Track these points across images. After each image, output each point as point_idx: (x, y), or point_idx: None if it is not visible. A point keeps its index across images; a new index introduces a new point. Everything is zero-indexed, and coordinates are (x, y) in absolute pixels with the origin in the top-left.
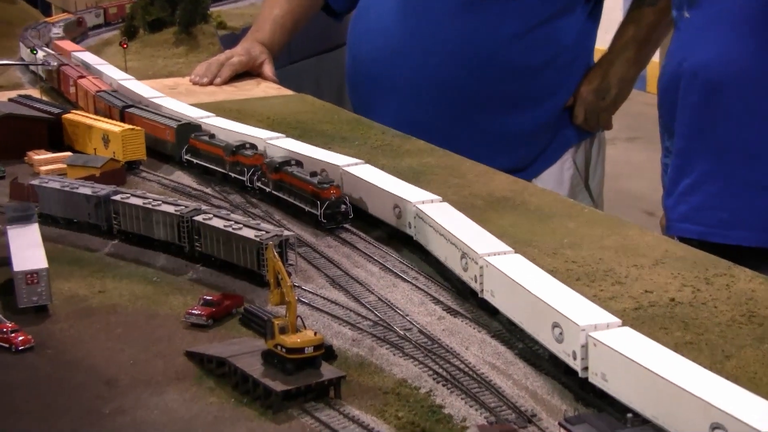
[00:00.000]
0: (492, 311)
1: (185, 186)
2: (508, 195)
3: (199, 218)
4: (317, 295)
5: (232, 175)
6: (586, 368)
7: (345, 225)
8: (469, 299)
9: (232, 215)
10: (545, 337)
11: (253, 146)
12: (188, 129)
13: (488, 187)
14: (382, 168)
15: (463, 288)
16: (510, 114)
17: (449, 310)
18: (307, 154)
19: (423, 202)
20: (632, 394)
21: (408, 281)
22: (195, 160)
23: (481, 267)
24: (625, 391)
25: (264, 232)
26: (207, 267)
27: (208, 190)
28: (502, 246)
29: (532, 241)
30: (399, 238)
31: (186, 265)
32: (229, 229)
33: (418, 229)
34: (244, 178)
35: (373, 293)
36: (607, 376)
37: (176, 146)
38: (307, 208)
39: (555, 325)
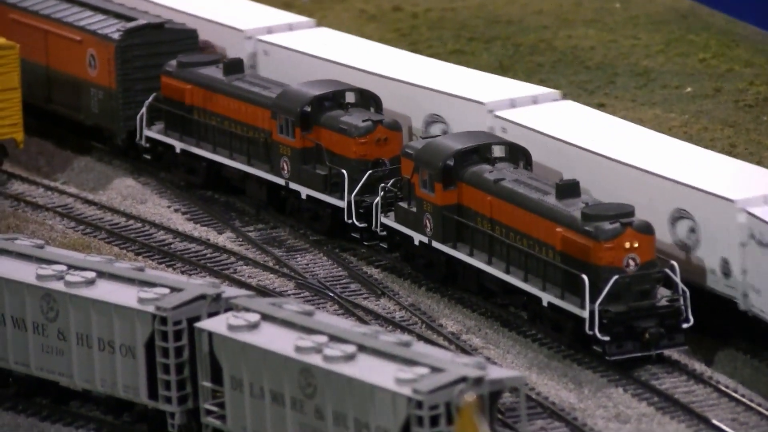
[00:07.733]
0: None
1: (152, 224)
2: None
3: (221, 329)
4: None
5: (305, 193)
6: None
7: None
8: None
9: (317, 318)
10: None
11: (366, 97)
12: (156, 45)
13: None
14: None
15: None
16: None
17: None
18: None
19: None
20: None
21: None
22: (180, 145)
23: None
24: None
25: (432, 371)
26: None
27: (225, 239)
28: None
29: None
30: None
31: None
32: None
33: None
34: (344, 202)
35: None
36: None
37: (118, 100)
38: (554, 300)
39: None
